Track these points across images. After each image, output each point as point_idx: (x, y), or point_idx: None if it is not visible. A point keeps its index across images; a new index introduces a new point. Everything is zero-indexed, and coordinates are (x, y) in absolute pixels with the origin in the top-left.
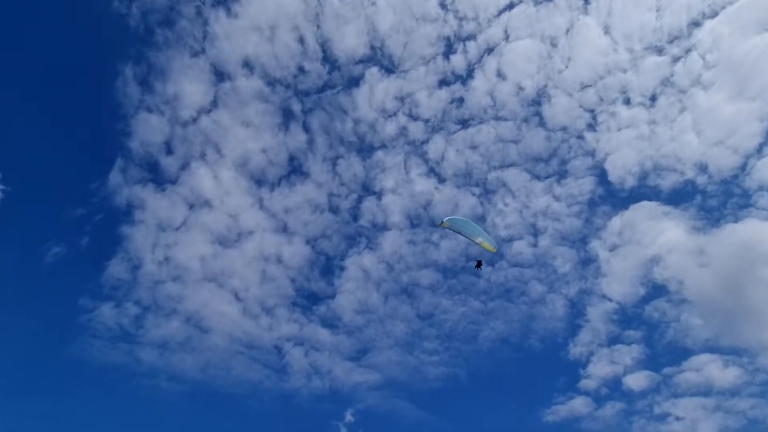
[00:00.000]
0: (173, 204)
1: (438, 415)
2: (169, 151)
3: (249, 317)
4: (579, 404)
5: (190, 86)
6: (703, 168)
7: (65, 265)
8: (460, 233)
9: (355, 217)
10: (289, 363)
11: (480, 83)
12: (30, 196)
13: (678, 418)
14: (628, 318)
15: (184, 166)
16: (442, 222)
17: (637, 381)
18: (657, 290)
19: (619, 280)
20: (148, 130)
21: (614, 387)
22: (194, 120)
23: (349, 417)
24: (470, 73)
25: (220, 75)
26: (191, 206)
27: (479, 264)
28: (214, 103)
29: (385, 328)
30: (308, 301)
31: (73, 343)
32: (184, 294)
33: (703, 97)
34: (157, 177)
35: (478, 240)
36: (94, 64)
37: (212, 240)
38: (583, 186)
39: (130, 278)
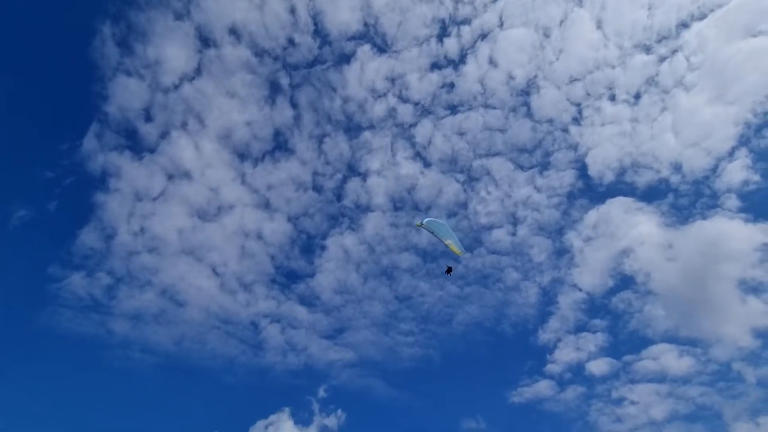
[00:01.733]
0: (151, 173)
1: (410, 393)
2: (149, 118)
3: (226, 292)
4: (543, 387)
5: (172, 51)
6: (677, 167)
7: (32, 229)
8: (433, 234)
9: (339, 197)
10: (266, 339)
11: (472, 69)
12: None
13: (633, 402)
14: (595, 307)
15: (164, 134)
16: (421, 223)
17: (599, 367)
18: (625, 282)
19: (590, 271)
20: (127, 94)
21: (577, 372)
22: (176, 87)
23: (322, 393)
24: (463, 59)
25: (205, 41)
26: (170, 177)
27: (449, 270)
28: (198, 71)
29: (362, 309)
30: (287, 278)
31: (41, 311)
32: (159, 266)
33: (685, 98)
34: (135, 145)
35: (448, 242)
36: (69, 19)
37: (191, 213)
38: (564, 178)
39: (103, 248)
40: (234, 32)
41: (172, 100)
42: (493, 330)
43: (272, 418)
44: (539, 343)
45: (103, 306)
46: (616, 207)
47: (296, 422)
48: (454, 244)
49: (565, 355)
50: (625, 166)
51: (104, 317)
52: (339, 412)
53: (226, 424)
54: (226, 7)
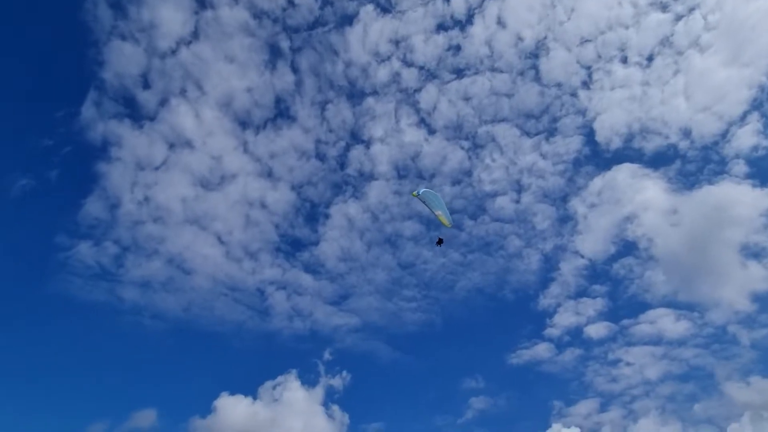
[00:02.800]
0: (152, 142)
1: (413, 356)
2: (146, 84)
3: (232, 260)
4: (542, 349)
5: (168, 13)
6: (687, 133)
7: (35, 199)
8: (425, 204)
9: (342, 166)
10: (272, 305)
11: (479, 30)
12: None
13: (628, 364)
14: (596, 273)
15: (163, 102)
16: (417, 193)
17: (597, 331)
18: (627, 248)
19: (593, 238)
20: (123, 60)
21: (575, 335)
22: (173, 52)
23: (327, 356)
24: (470, 19)
25: (200, 2)
26: (171, 145)
27: (440, 241)
28: (195, 34)
29: (366, 276)
30: (292, 246)
31: (51, 279)
32: (165, 235)
33: (699, 60)
34: (134, 113)
35: (438, 212)
36: None
37: (194, 182)
38: (570, 145)
39: (109, 217)
40: None
41: (170, 66)
42: (494, 296)
43: (280, 379)
44: (539, 308)
45: (112, 274)
46: (623, 173)
47: (303, 383)
48: (443, 216)
49: (564, 320)
50: (634, 132)
51: (113, 285)
52: (344, 373)
53: (236, 385)
54: None
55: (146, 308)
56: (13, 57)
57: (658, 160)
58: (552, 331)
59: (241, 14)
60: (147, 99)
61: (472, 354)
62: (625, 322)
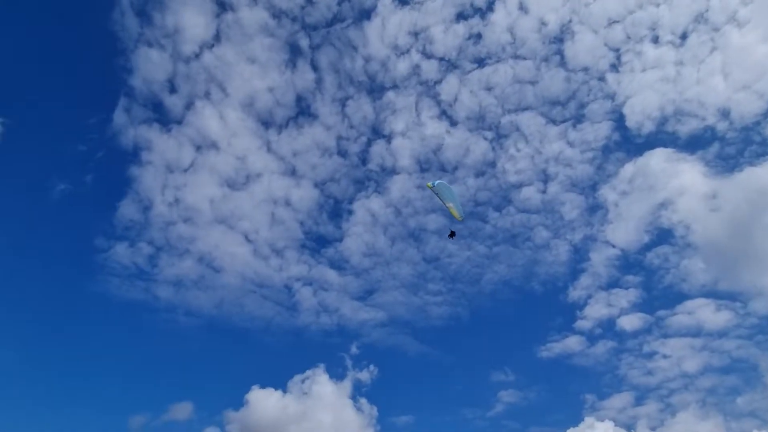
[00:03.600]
0: (180, 145)
1: (439, 349)
2: (173, 89)
3: (260, 258)
4: (573, 342)
5: (190, 17)
6: (725, 114)
7: (73, 202)
8: (438, 196)
9: (364, 161)
10: (299, 301)
11: (500, 17)
12: (29, 130)
13: (665, 356)
14: (629, 263)
15: (189, 105)
16: (432, 185)
17: (630, 322)
18: (662, 236)
19: (625, 227)
20: (150, 66)
21: (608, 327)
22: (197, 56)
23: (354, 350)
24: (490, 6)
25: (221, 5)
26: (198, 148)
27: (452, 234)
28: (217, 37)
29: (391, 270)
30: (317, 243)
31: (91, 280)
32: (195, 235)
33: (737, 36)
34: (162, 117)
35: (449, 205)
36: None
37: (221, 182)
38: (599, 131)
39: (142, 219)
40: None
41: (194, 70)
42: (522, 288)
43: (308, 373)
44: (569, 300)
45: (147, 273)
46: (656, 159)
47: (331, 376)
48: (454, 208)
49: (595, 312)
50: (667, 115)
51: (149, 284)
52: (371, 367)
53: (266, 379)
54: None
55: (180, 306)
56: (47, 68)
57: (694, 144)
58: (583, 324)
59: (260, 15)
60: (174, 103)
61: (501, 347)
62: (661, 313)
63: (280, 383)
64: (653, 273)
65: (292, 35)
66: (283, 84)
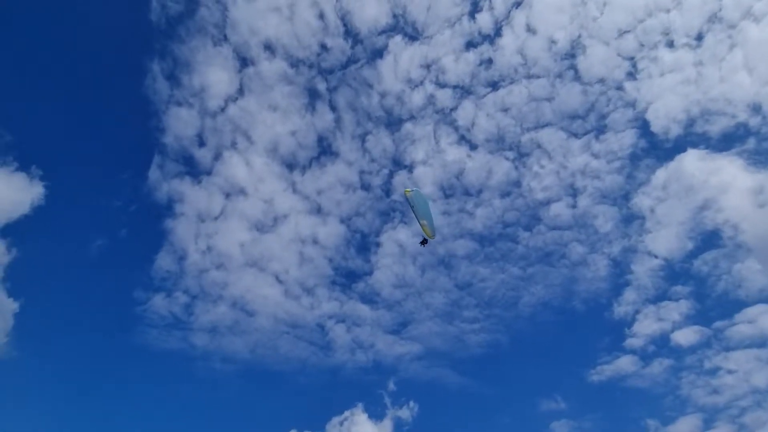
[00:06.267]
0: (210, 194)
1: (480, 380)
2: (202, 142)
3: (291, 298)
4: (625, 363)
5: (215, 75)
6: (756, 108)
7: (111, 256)
8: (413, 209)
9: (388, 192)
10: (333, 339)
11: (509, 41)
12: (69, 190)
13: (730, 372)
14: (675, 273)
15: (217, 156)
16: (408, 190)
17: (686, 336)
18: (708, 240)
19: (666, 235)
20: (180, 124)
21: (662, 344)
22: (222, 109)
23: (392, 386)
24: (498, 31)
25: (243, 61)
26: (227, 195)
27: (424, 241)
28: (240, 91)
29: (423, 301)
30: (347, 278)
31: (131, 332)
32: (228, 280)
33: (755, 31)
34: (193, 169)
35: (423, 222)
36: (122, 62)
37: (250, 226)
38: (623, 140)
39: (178, 269)
40: (269, 47)
41: (221, 123)
42: (563, 308)
43: (346, 413)
44: (615, 317)
45: (183, 322)
46: (689, 160)
47: (370, 416)
48: (427, 226)
49: (645, 328)
50: (694, 116)
51: (185, 333)
52: (411, 403)
53: (303, 422)
54: (259, 25)
55: (216, 352)
56: (86, 133)
57: (727, 142)
58: (634, 342)
59: (279, 66)
60: (203, 155)
61: (547, 373)
62: (719, 324)
63: (318, 426)
64: (704, 281)
65: (310, 80)
66: (304, 127)
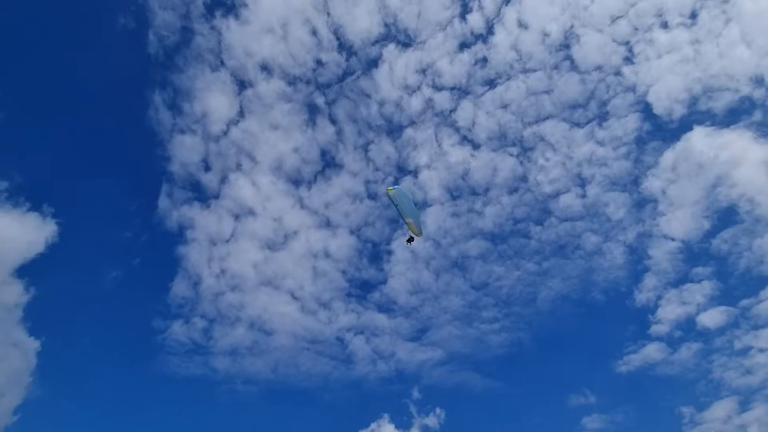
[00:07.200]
0: (220, 218)
1: (505, 381)
2: (207, 167)
3: (308, 314)
4: (652, 350)
5: (215, 100)
6: (759, 81)
7: (127, 287)
8: (396, 207)
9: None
10: (353, 352)
11: (502, 38)
12: (81, 226)
13: (761, 350)
14: (694, 255)
15: (223, 179)
16: (390, 189)
17: (712, 318)
18: (724, 217)
19: (681, 216)
20: (185, 151)
21: (688, 328)
22: (225, 133)
23: (417, 394)
24: (490, 30)
25: (241, 83)
26: (236, 217)
27: (410, 240)
28: (241, 113)
29: (441, 305)
30: (361, 289)
31: (153, 361)
32: (244, 301)
33: (749, 4)
34: (201, 194)
35: (408, 220)
36: (125, 96)
37: (261, 246)
38: (627, 125)
39: (193, 294)
40: (265, 68)
41: (224, 146)
42: (582, 300)
43: (373, 426)
44: (637, 304)
45: (203, 347)
46: (696, 138)
47: (397, 426)
48: (413, 224)
49: (669, 313)
50: (696, 94)
51: (206, 357)
52: (437, 410)
53: None
54: (254, 47)
55: (238, 375)
56: (94, 170)
57: (733, 116)
58: (659, 328)
59: (277, 85)
60: (209, 180)
61: (573, 368)
62: (745, 302)
63: None
64: (724, 260)
65: (308, 96)
66: (306, 142)
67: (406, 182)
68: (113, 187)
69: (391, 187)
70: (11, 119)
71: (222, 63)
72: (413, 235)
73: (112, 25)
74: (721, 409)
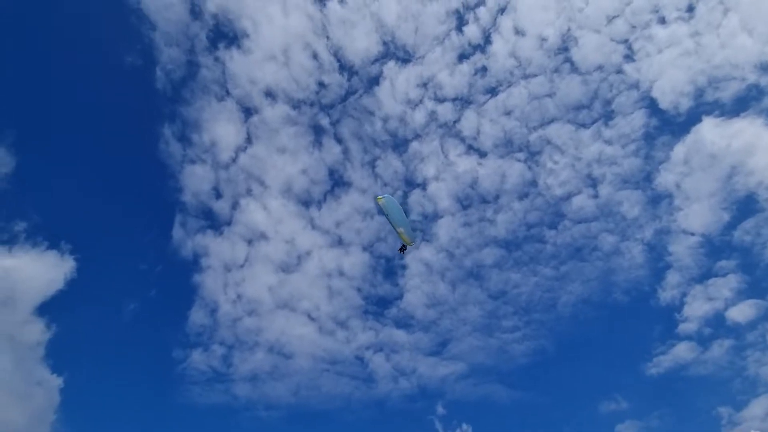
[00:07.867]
0: (233, 244)
1: (532, 391)
2: (219, 195)
3: (326, 334)
4: (683, 350)
5: (223, 129)
6: (764, 68)
7: (145, 319)
8: (387, 218)
9: (405, 213)
10: (374, 370)
11: (500, 46)
12: (97, 259)
13: None
14: (716, 248)
15: (234, 205)
16: (380, 198)
17: (742, 312)
18: (744, 208)
19: (697, 210)
20: (196, 180)
21: (717, 324)
22: (234, 160)
23: (441, 410)
24: (487, 39)
25: (247, 111)
26: (249, 242)
27: (403, 248)
28: (248, 139)
29: (459, 316)
30: (378, 306)
31: (175, 392)
32: (261, 325)
33: None
34: (214, 222)
35: (400, 230)
36: (136, 132)
37: (275, 269)
38: (634, 122)
39: (211, 322)
40: (269, 94)
41: (234, 173)
42: (604, 303)
43: None
44: (662, 303)
45: (224, 375)
46: (705, 129)
47: None
48: (405, 233)
49: (696, 310)
50: (702, 86)
51: (227, 385)
52: (464, 426)
53: None
54: (257, 75)
55: (259, 400)
56: (107, 207)
57: (742, 105)
58: (687, 326)
59: (281, 109)
60: (221, 207)
61: (601, 373)
62: None
63: None
64: (748, 251)
65: (313, 118)
66: (314, 163)
67: (415, 195)
68: (128, 220)
69: (380, 196)
70: (27, 162)
71: (227, 92)
72: (405, 245)
73: (120, 65)
74: (759, 406)
